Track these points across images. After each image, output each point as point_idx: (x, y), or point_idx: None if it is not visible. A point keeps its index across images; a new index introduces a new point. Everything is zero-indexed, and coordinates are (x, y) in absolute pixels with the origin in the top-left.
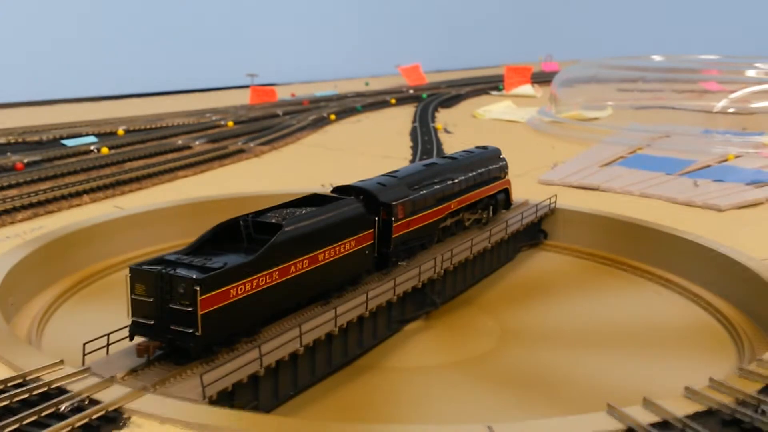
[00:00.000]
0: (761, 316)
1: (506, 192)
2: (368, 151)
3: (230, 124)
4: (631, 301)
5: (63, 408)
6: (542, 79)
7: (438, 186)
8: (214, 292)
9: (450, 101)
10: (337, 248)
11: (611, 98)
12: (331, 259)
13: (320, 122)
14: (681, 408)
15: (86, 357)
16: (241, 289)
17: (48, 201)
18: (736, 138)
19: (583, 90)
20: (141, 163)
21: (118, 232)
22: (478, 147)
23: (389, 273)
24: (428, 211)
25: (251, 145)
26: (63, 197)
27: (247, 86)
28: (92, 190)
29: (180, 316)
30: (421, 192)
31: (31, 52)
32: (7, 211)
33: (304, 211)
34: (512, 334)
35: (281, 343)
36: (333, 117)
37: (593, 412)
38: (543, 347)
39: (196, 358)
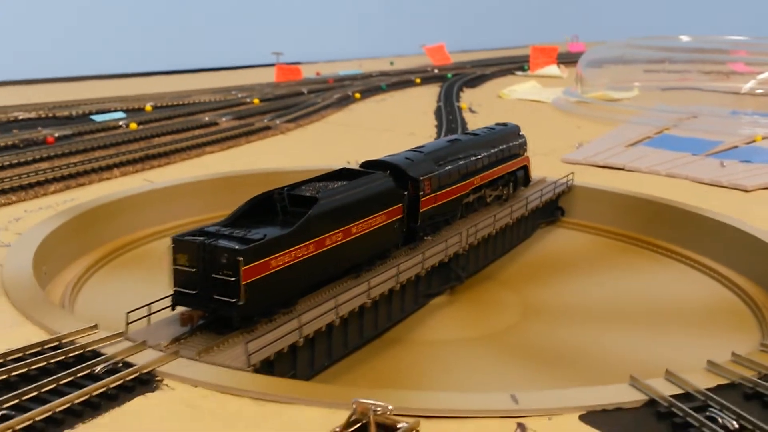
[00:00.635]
0: None
1: (525, 169)
2: (393, 129)
3: (256, 101)
4: (653, 278)
5: (98, 370)
6: (568, 59)
7: (462, 162)
8: (255, 263)
9: (475, 81)
10: (369, 222)
11: (638, 79)
12: (363, 232)
13: (345, 101)
14: (703, 381)
15: (128, 326)
16: (280, 260)
17: (79, 174)
18: (763, 119)
19: (609, 70)
20: (169, 138)
21: (148, 205)
22: (498, 124)
23: (416, 247)
24: (453, 187)
25: (277, 122)
26: (93, 170)
27: (272, 64)
28: (122, 164)
29: (223, 286)
30: (447, 167)
31: (61, 29)
32: (39, 183)
33: (336, 185)
34: (534, 309)
35: (319, 314)
36: (358, 96)
37: (616, 384)
38: (565, 322)
39: (237, 327)
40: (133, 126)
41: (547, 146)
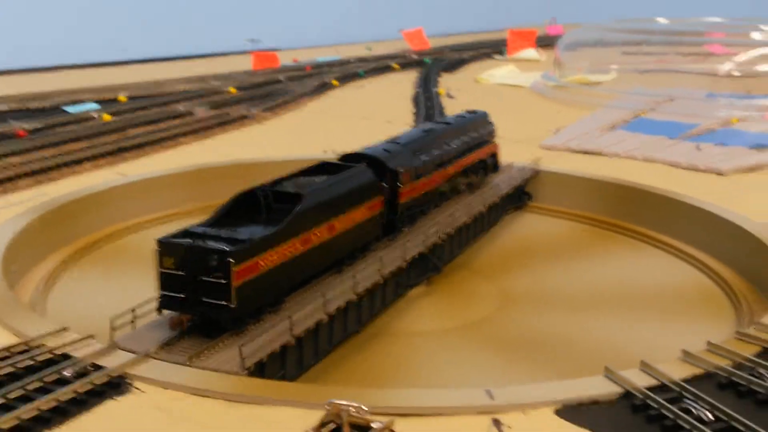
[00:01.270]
0: (761, 279)
1: (494, 156)
2: (371, 116)
3: (232, 90)
4: (628, 264)
5: (67, 373)
6: (546, 42)
7: (437, 152)
8: (245, 264)
9: (453, 66)
10: (352, 216)
11: (615, 62)
12: (347, 227)
13: (322, 88)
14: (678, 371)
15: (113, 332)
16: (269, 259)
17: (51, 168)
18: (740, 101)
19: (587, 54)
20: (143, 129)
21: (122, 199)
22: (467, 111)
23: (395, 239)
24: (430, 177)
25: (253, 111)
26: (65, 164)
27: (248, 52)
28: (95, 157)
29: (213, 289)
30: (423, 158)
31: (31, 18)
32: (9, 179)
33: (318, 180)
34: (510, 298)
35: (309, 312)
36: (335, 82)
37: (590, 376)
38: (541, 311)
39: (227, 330)
40: (107, 117)
41: (525, 131)
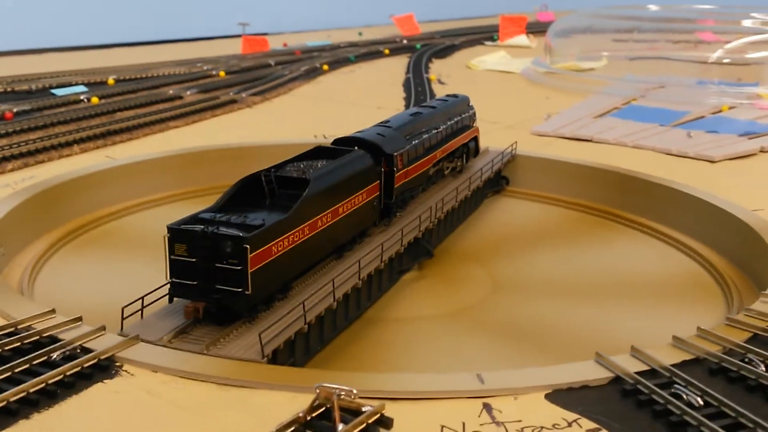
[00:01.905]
0: (750, 266)
1: (476, 140)
2: (361, 101)
3: (222, 74)
4: (619, 251)
5: (54, 356)
6: (537, 29)
7: (426, 135)
8: (260, 250)
9: (444, 51)
10: (353, 201)
11: (606, 48)
12: (348, 212)
13: (313, 73)
14: (668, 357)
15: (123, 321)
16: (280, 245)
17: (38, 151)
18: (730, 89)
19: (578, 40)
20: (132, 113)
21: (110, 183)
22: (448, 95)
23: (390, 224)
24: (421, 161)
25: (243, 95)
26: (53, 147)
27: (238, 36)
28: (83, 140)
29: (227, 276)
30: (414, 142)
31: (19, 1)
32: None
33: (319, 164)
34: (502, 283)
35: (319, 298)
36: (326, 67)
37: (581, 361)
38: (532, 297)
39: (240, 317)
40: (95, 100)
41: (516, 117)
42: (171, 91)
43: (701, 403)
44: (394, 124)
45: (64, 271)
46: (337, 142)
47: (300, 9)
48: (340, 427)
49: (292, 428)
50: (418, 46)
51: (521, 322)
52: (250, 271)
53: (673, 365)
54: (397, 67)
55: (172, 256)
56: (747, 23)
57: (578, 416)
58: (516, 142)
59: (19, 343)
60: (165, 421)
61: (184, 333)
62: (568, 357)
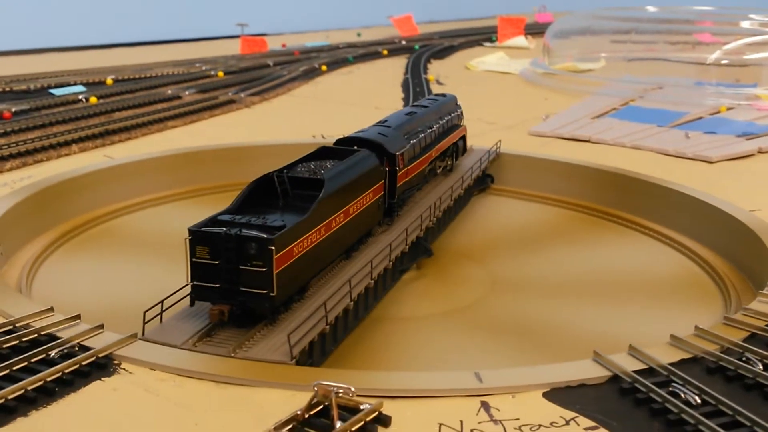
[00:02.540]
0: (748, 266)
1: (464, 139)
2: (360, 102)
3: (220, 74)
4: (617, 250)
5: (53, 354)
6: (536, 30)
7: (422, 135)
8: (283, 251)
9: (442, 52)
10: (362, 201)
11: (604, 50)
12: (358, 212)
13: (311, 73)
14: (666, 355)
15: (145, 325)
16: (300, 246)
17: (37, 150)
18: (728, 90)
19: (576, 41)
20: (130, 112)
21: (108, 182)
22: (437, 95)
23: (392, 223)
24: (419, 160)
25: (242, 95)
26: (52, 146)
27: (237, 36)
28: (81, 140)
29: (252, 277)
30: (412, 141)
31: (17, 1)
32: None
33: (329, 165)
34: (500, 282)
35: (338, 299)
36: (324, 68)
37: (579, 360)
38: (530, 296)
39: (262, 320)
40: (93, 100)
41: (514, 118)
42: (169, 91)
43: (699, 401)
44: (392, 123)
45: (62, 270)
46: (340, 142)
47: (299, 10)
48: (338, 424)
49: (290, 426)
50: (417, 46)
51: (519, 320)
52: (275, 272)
53: (671, 364)
54: (395, 67)
55: (194, 259)
56: (745, 25)
57: (576, 414)
58: (500, 141)
59: (17, 341)
60: (163, 418)
61: (208, 336)
62: (566, 356)
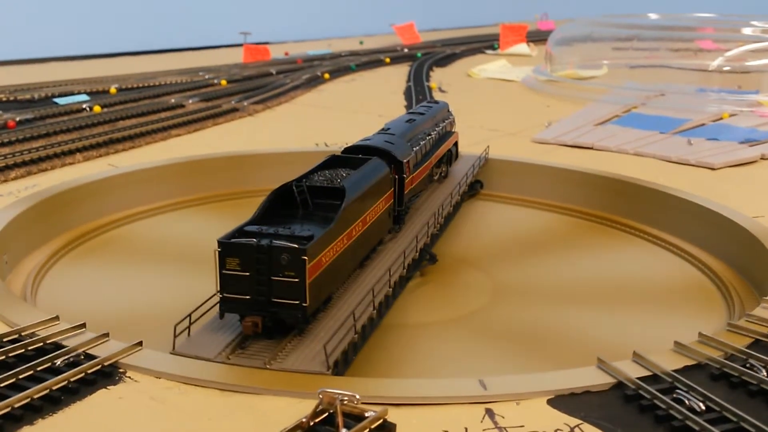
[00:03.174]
0: (751, 272)
1: (456, 145)
2: (362, 109)
3: (223, 82)
4: (619, 257)
5: (58, 363)
6: (538, 37)
7: (423, 142)
8: (314, 261)
9: (445, 60)
10: (376, 209)
11: (606, 57)
12: (373, 220)
13: (314, 81)
14: (670, 362)
15: (175, 339)
16: (327, 256)
17: (41, 159)
18: (730, 96)
19: (578, 48)
20: (134, 121)
21: (113, 191)
22: (429, 102)
23: (400, 231)
24: (421, 167)
25: (245, 103)
26: (56, 155)
27: (240, 45)
28: (85, 149)
29: (284, 288)
30: (415, 148)
31: (21, 11)
32: (0, 170)
33: (344, 173)
34: (503, 289)
35: (364, 308)
36: (327, 76)
37: (583, 367)
38: (533, 303)
39: (292, 330)
40: (97, 109)
41: (517, 125)
42: (173, 100)
43: (703, 408)
44: (395, 131)
45: (67, 279)
46: (348, 150)
47: (301, 18)
48: None
49: None
50: (419, 54)
51: (523, 327)
52: (308, 282)
53: (675, 371)
54: (397, 75)
55: (224, 271)
56: (747, 31)
57: (580, 421)
58: (488, 146)
59: (23, 350)
60: (168, 426)
61: (239, 348)
62: (570, 363)
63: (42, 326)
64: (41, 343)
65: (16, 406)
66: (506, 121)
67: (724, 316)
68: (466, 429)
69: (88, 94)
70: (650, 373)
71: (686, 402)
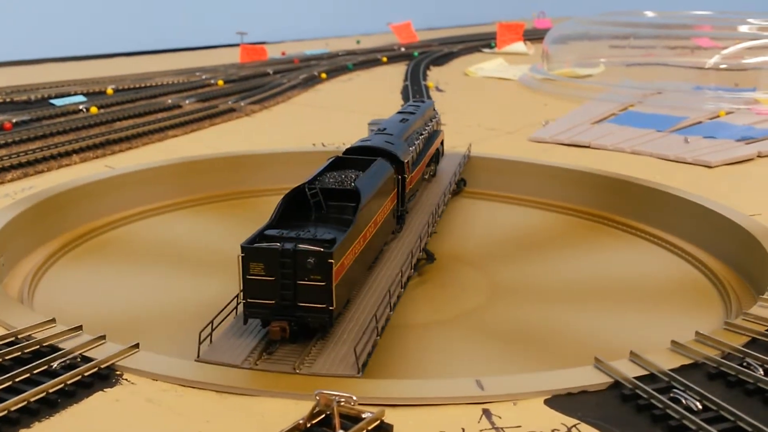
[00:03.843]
0: (748, 271)
1: (442, 144)
2: (360, 109)
3: (220, 83)
4: (616, 256)
5: (55, 365)
6: (535, 36)
7: (417, 141)
8: (338, 264)
9: (442, 59)
10: (384, 210)
11: (603, 55)
12: (382, 221)
13: (311, 81)
14: (667, 361)
15: (200, 345)
16: (348, 258)
17: (38, 161)
18: (727, 94)
19: (575, 47)
20: (131, 122)
21: (110, 192)
22: (415, 101)
23: (402, 231)
24: (418, 167)
25: (242, 104)
26: (53, 157)
27: (236, 45)
28: (82, 150)
29: (310, 292)
30: (411, 148)
31: (15, 11)
32: None
33: (353, 175)
34: (500, 288)
35: (383, 309)
36: (324, 75)
37: (580, 367)
38: (530, 302)
39: (318, 333)
40: (94, 110)
41: (514, 124)
42: (170, 101)
43: (700, 407)
44: (393, 130)
45: (64, 281)
46: (349, 151)
47: (298, 18)
48: None
49: None
50: (416, 53)
51: (520, 327)
52: (334, 284)
53: (671, 370)
54: (395, 74)
55: (248, 276)
56: (744, 29)
57: (577, 421)
58: (471, 144)
59: (19, 353)
60: (165, 428)
61: (266, 354)
62: (567, 362)
63: (38, 329)
64: (38, 346)
65: (13, 409)
66: (504, 119)
67: (721, 315)
68: (463, 429)
69: (84, 95)
70: (647, 373)
71: (683, 401)
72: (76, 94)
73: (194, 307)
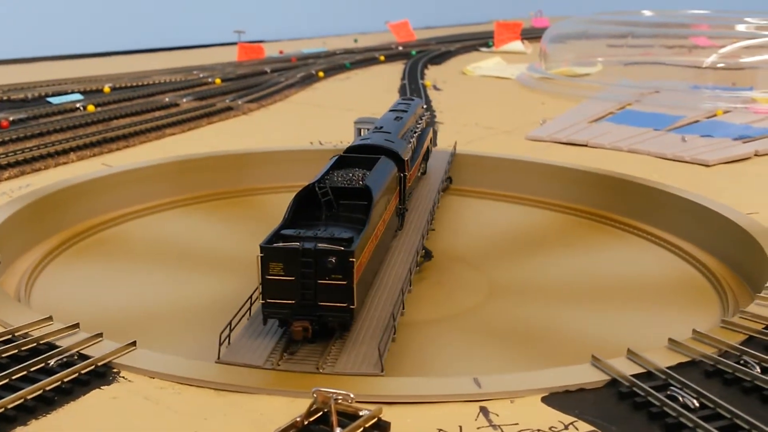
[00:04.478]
0: (745, 269)
1: (431, 141)
2: (357, 108)
3: (218, 81)
4: (613, 254)
5: (52, 363)
6: (532, 35)
7: (412, 138)
8: (358, 263)
9: (439, 58)
10: (390, 208)
11: (601, 54)
12: (389, 219)
13: (309, 79)
14: (664, 359)
15: (220, 347)
16: (365, 257)
17: (35, 159)
18: (725, 93)
19: (573, 46)
20: (128, 120)
21: (107, 190)
22: (404, 98)
23: (403, 228)
24: (415, 164)
25: (239, 102)
26: (50, 155)
27: (234, 43)
28: (79, 148)
29: (331, 292)
30: (408, 145)
31: (12, 8)
32: None
33: (360, 174)
34: (498, 287)
35: (398, 307)
36: (321, 74)
37: (578, 364)
38: (528, 301)
39: (336, 332)
40: (91, 108)
41: (511, 123)
42: (167, 99)
43: (697, 405)
44: (390, 128)
45: (61, 279)
46: (351, 149)
47: (295, 17)
48: (338, 431)
49: None
50: (414, 52)
51: (518, 325)
52: (355, 283)
53: (669, 368)
54: (392, 73)
55: (267, 276)
56: (741, 28)
57: (575, 419)
58: (456, 142)
59: (16, 351)
60: (162, 426)
61: (288, 354)
62: (565, 360)
63: (35, 326)
64: (34, 344)
65: (10, 406)
66: (501, 118)
67: (718, 313)
68: (461, 427)
69: (81, 93)
70: (644, 371)
71: (680, 399)
72: (73, 92)
73: (192, 304)
